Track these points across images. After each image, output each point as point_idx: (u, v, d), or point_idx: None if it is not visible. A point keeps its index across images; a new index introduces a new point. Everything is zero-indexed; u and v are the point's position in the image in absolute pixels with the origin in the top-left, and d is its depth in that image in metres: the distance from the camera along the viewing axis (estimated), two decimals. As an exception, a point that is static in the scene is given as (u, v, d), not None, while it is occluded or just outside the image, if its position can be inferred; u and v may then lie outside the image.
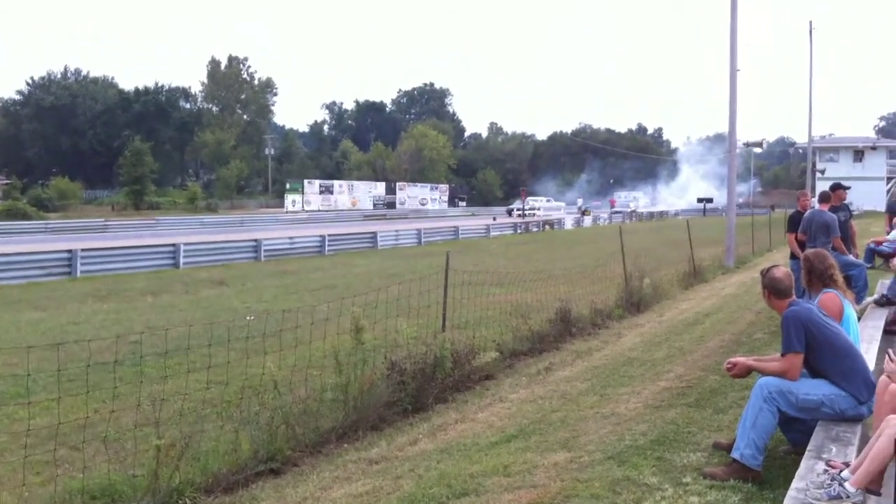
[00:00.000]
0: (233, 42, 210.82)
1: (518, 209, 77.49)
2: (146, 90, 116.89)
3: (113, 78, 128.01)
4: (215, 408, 8.24)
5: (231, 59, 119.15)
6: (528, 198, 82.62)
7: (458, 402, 8.99)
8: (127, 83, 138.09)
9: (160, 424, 6.90)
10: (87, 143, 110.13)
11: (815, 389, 5.03)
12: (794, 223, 11.82)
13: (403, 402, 8.46)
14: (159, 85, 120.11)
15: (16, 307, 16.42)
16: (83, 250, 23.27)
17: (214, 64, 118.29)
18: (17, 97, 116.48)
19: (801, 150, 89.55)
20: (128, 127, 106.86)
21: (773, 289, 5.37)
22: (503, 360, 10.75)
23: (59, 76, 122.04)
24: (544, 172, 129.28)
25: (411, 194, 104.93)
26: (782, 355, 5.13)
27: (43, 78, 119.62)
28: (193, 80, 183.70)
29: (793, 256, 11.52)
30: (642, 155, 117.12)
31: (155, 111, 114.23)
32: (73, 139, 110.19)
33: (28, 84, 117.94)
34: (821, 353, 5.09)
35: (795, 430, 5.30)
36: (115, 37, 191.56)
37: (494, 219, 63.41)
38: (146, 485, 6.03)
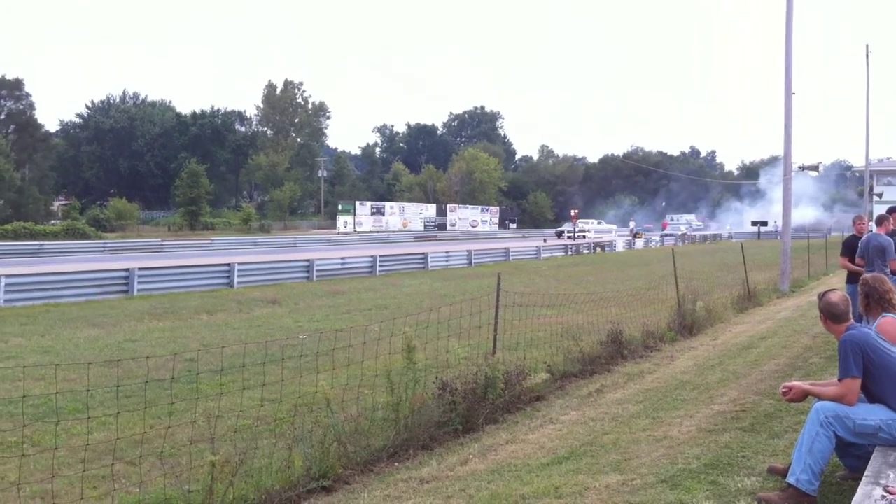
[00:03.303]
0: (285, 67, 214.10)
1: (568, 231, 77.16)
2: (203, 114, 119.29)
3: (171, 102, 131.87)
4: (269, 425, 8.33)
5: (287, 83, 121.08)
6: (579, 220, 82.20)
7: (508, 422, 8.96)
8: (184, 107, 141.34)
9: (215, 441, 7.01)
10: (145, 164, 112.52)
11: (873, 414, 4.96)
12: (848, 248, 11.68)
13: (454, 422, 8.46)
14: (215, 108, 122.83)
15: (74, 324, 16.74)
16: (140, 269, 23.64)
17: (270, 88, 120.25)
18: (77, 120, 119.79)
19: (857, 174, 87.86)
20: (184, 149, 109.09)
21: (830, 313, 5.31)
22: (554, 381, 10.70)
23: (118, 100, 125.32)
24: (596, 195, 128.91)
25: (462, 216, 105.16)
26: (839, 380, 5.08)
27: (102, 101, 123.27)
28: (248, 103, 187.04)
29: (849, 280, 11.36)
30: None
31: (211, 134, 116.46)
32: (131, 161, 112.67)
33: (88, 107, 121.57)
34: (878, 377, 5.02)
35: (852, 455, 5.22)
36: (174, 62, 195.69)
37: (545, 240, 63.21)
38: (201, 500, 6.10)
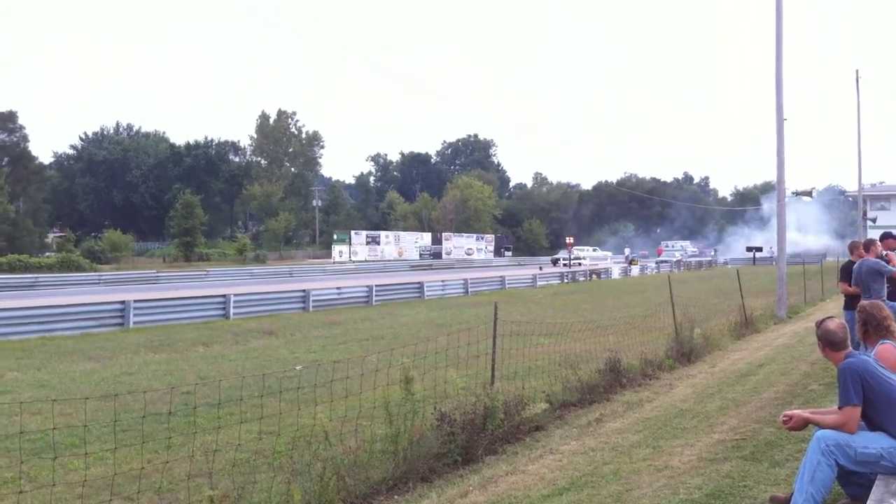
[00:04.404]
0: (278, 97, 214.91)
1: (564, 259, 77.26)
2: (196, 144, 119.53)
3: (164, 133, 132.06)
4: (267, 458, 8.29)
5: (280, 113, 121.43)
6: (574, 247, 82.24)
7: (508, 453, 8.92)
8: (178, 138, 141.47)
9: (213, 475, 6.97)
10: (139, 196, 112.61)
11: (874, 443, 4.95)
12: (846, 273, 11.76)
13: (453, 454, 8.42)
14: (209, 139, 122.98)
15: (70, 358, 16.69)
16: (135, 301, 23.59)
17: (264, 118, 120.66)
18: (71, 152, 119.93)
19: (850, 199, 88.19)
20: (178, 180, 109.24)
21: (828, 341, 5.32)
22: (553, 411, 10.66)
23: (111, 131, 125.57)
24: (591, 222, 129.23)
25: (457, 244, 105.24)
26: (839, 408, 5.07)
27: (96, 133, 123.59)
28: (242, 134, 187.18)
29: (847, 307, 11.40)
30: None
31: (205, 165, 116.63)
32: (125, 193, 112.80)
33: (81, 139, 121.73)
34: (879, 405, 5.02)
35: (854, 483, 5.20)
36: (166, 93, 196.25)
37: (541, 268, 63.29)
38: (200, 535, 6.07)
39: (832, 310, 18.38)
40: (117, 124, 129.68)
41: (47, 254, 77.87)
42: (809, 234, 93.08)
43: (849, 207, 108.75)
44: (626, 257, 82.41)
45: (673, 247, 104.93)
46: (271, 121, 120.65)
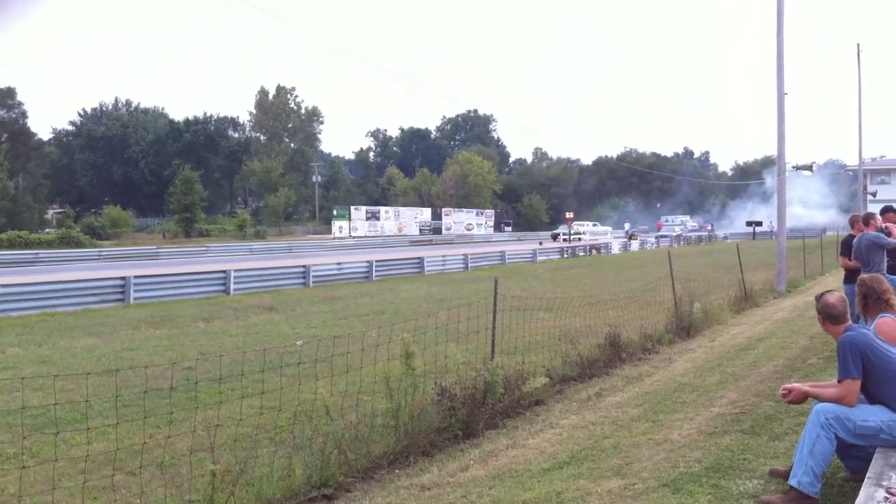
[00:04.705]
0: (277, 72, 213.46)
1: (564, 234, 77.15)
2: (196, 120, 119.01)
3: (163, 109, 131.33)
4: (269, 433, 8.32)
5: (279, 89, 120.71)
6: (574, 222, 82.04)
7: (508, 427, 8.96)
8: (177, 114, 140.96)
9: (215, 450, 7.00)
10: (139, 172, 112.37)
11: (874, 416, 4.97)
12: (847, 247, 11.77)
13: (454, 428, 8.46)
14: (208, 115, 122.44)
15: (71, 334, 16.70)
16: (136, 277, 23.58)
17: (263, 94, 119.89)
18: (70, 128, 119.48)
19: (851, 173, 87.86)
20: (178, 156, 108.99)
21: (827, 315, 5.33)
22: (553, 385, 10.70)
23: (110, 107, 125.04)
24: (591, 197, 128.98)
25: (457, 219, 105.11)
26: (839, 381, 5.09)
27: (95, 109, 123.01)
28: (241, 110, 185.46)
29: (847, 280, 11.41)
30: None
31: (204, 140, 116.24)
32: (125, 168, 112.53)
33: (80, 115, 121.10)
34: (878, 378, 5.03)
35: (854, 456, 5.23)
36: (165, 68, 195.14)
37: (541, 243, 63.22)
38: (202, 510, 6.10)
39: (832, 284, 18.41)
40: (116, 100, 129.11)
41: (47, 230, 77.84)
42: (814, 208, 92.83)
43: (851, 181, 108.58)
44: (626, 232, 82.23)
45: (672, 222, 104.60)
46: (270, 97, 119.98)
